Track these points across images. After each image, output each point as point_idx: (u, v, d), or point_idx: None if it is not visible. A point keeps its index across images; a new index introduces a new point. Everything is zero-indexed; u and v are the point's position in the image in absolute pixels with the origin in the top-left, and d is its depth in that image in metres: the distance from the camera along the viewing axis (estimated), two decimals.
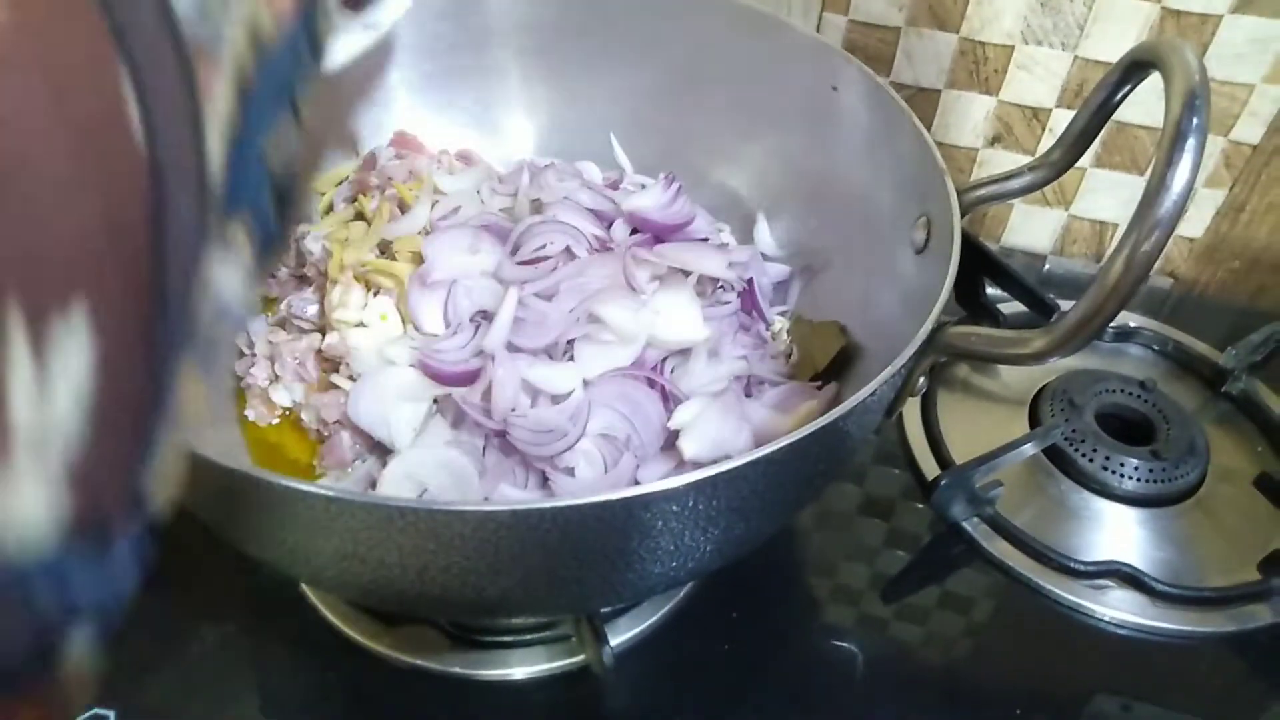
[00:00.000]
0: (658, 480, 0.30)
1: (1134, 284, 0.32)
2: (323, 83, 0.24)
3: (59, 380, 0.15)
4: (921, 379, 0.39)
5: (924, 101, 0.72)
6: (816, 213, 0.56)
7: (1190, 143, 0.31)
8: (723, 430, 0.43)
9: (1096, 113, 0.40)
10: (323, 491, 0.30)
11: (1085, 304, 0.33)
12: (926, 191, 0.45)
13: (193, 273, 0.18)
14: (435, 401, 0.48)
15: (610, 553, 0.33)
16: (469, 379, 0.46)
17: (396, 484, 0.44)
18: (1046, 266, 0.76)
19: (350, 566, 0.34)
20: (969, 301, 0.54)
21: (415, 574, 0.33)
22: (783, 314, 0.55)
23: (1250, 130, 0.67)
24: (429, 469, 0.45)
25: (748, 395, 0.48)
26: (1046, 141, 0.72)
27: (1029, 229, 0.77)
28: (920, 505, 0.55)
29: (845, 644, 0.49)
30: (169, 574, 0.49)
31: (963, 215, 0.42)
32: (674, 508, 0.32)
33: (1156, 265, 0.74)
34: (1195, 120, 0.31)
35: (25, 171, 0.14)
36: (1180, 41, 0.34)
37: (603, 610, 0.45)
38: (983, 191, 0.44)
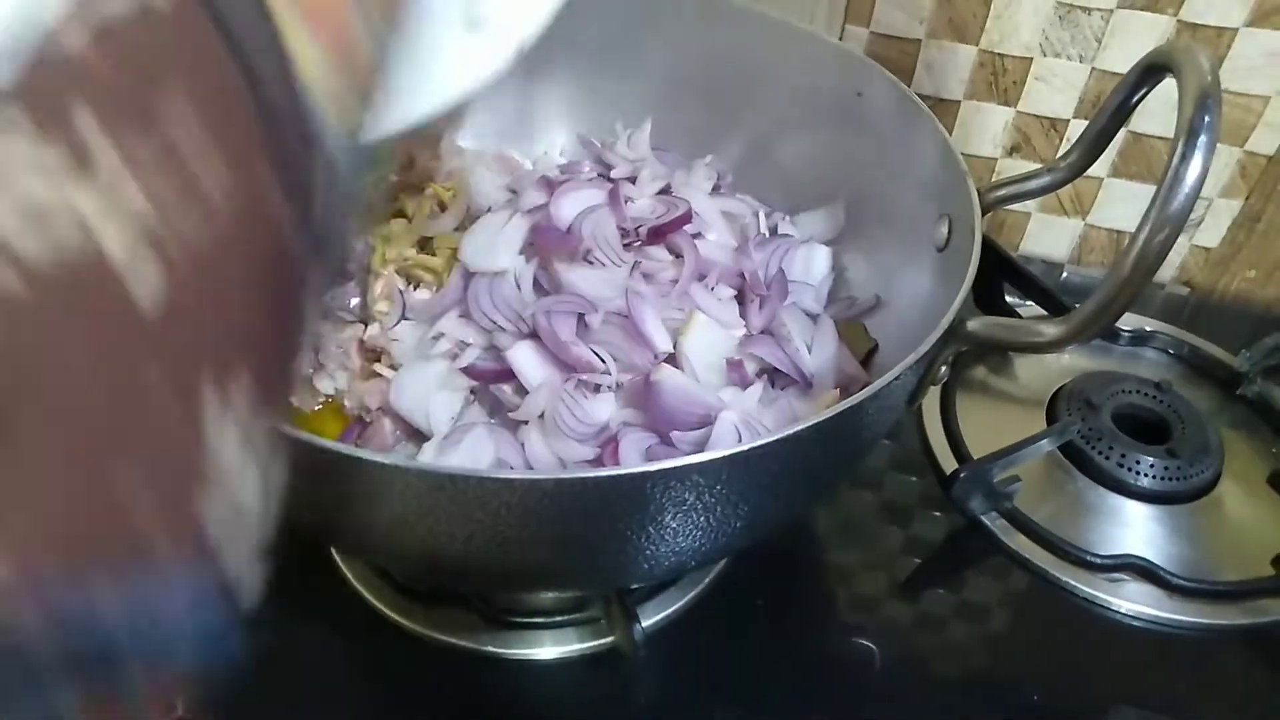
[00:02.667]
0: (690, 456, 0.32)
1: (1147, 274, 0.34)
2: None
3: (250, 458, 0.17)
4: (944, 368, 0.40)
5: (943, 112, 0.74)
6: (839, 213, 0.57)
7: (1202, 139, 0.32)
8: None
9: (1113, 115, 0.42)
10: (380, 459, 0.32)
11: (1101, 294, 0.34)
12: (948, 192, 0.47)
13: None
14: (472, 391, 0.49)
15: (647, 524, 0.35)
16: (504, 376, 0.48)
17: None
18: (1064, 275, 0.77)
19: (399, 534, 0.36)
20: (988, 305, 0.56)
21: (461, 542, 0.35)
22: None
23: (1266, 141, 0.68)
24: (460, 454, 0.47)
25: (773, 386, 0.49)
26: (1057, 157, 0.73)
27: (1046, 238, 0.78)
28: (940, 504, 0.56)
29: (865, 635, 0.50)
30: None
31: (983, 214, 0.44)
32: (708, 481, 0.34)
33: (1173, 274, 0.76)
34: (1207, 118, 0.32)
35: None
36: (1193, 45, 0.36)
37: (631, 592, 0.46)
38: (1002, 192, 0.46)
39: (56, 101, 0.14)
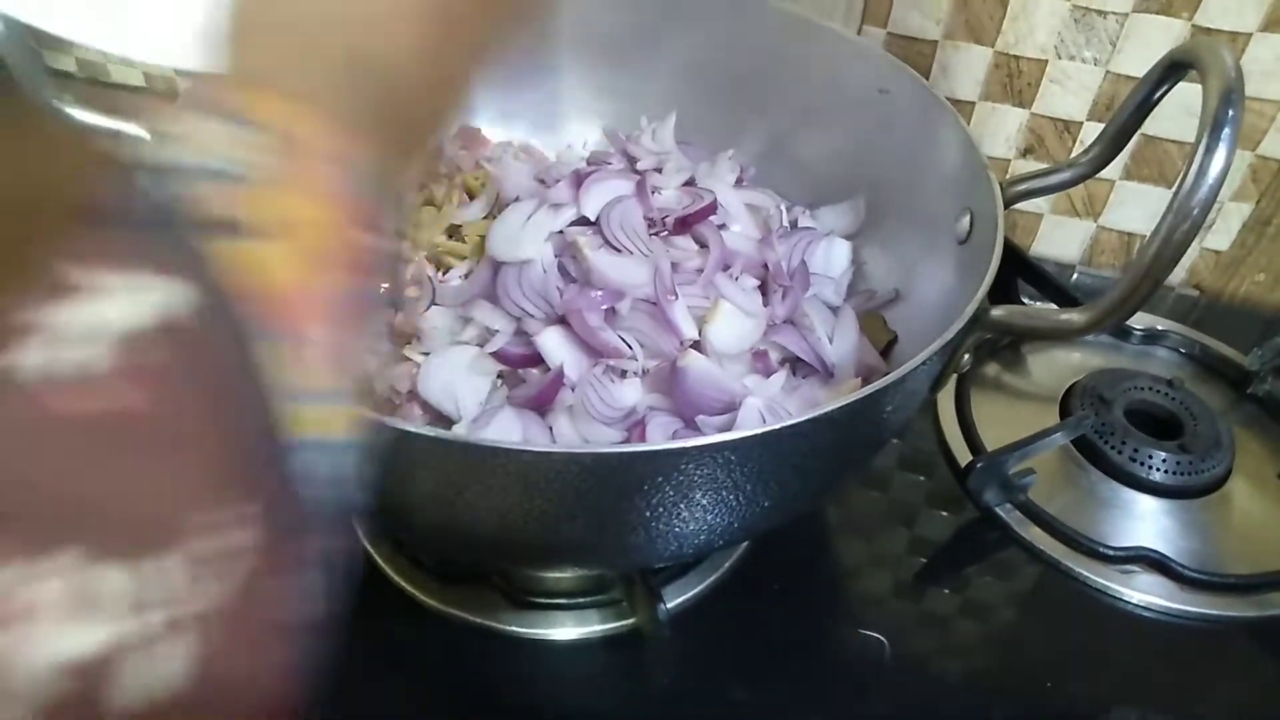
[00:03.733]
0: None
1: (1170, 262, 0.35)
2: None
3: None
4: (966, 356, 0.41)
5: (958, 113, 0.75)
6: (859, 207, 0.58)
7: (1226, 132, 0.33)
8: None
9: (1135, 112, 0.43)
10: (424, 431, 0.32)
11: (1126, 281, 0.35)
12: (969, 187, 0.48)
13: None
14: (500, 376, 0.50)
15: (679, 501, 0.36)
16: (533, 361, 0.49)
17: None
18: (1075, 276, 0.78)
19: (436, 509, 0.36)
20: (1001, 301, 0.57)
21: (499, 516, 0.36)
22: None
23: (1277, 146, 0.69)
24: (489, 436, 0.47)
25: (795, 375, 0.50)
26: (1077, 153, 0.74)
27: (1058, 239, 0.79)
28: (955, 498, 0.57)
29: (879, 623, 0.51)
30: None
31: (1006, 208, 0.45)
32: (740, 459, 0.35)
33: (1182, 277, 0.77)
34: (1231, 111, 0.33)
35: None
36: (1216, 42, 0.37)
37: (655, 573, 0.47)
38: (1024, 186, 0.47)
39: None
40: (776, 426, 0.34)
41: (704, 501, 0.36)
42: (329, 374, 0.19)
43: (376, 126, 0.22)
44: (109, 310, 0.15)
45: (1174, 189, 0.34)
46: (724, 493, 0.36)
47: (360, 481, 0.21)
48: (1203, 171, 0.34)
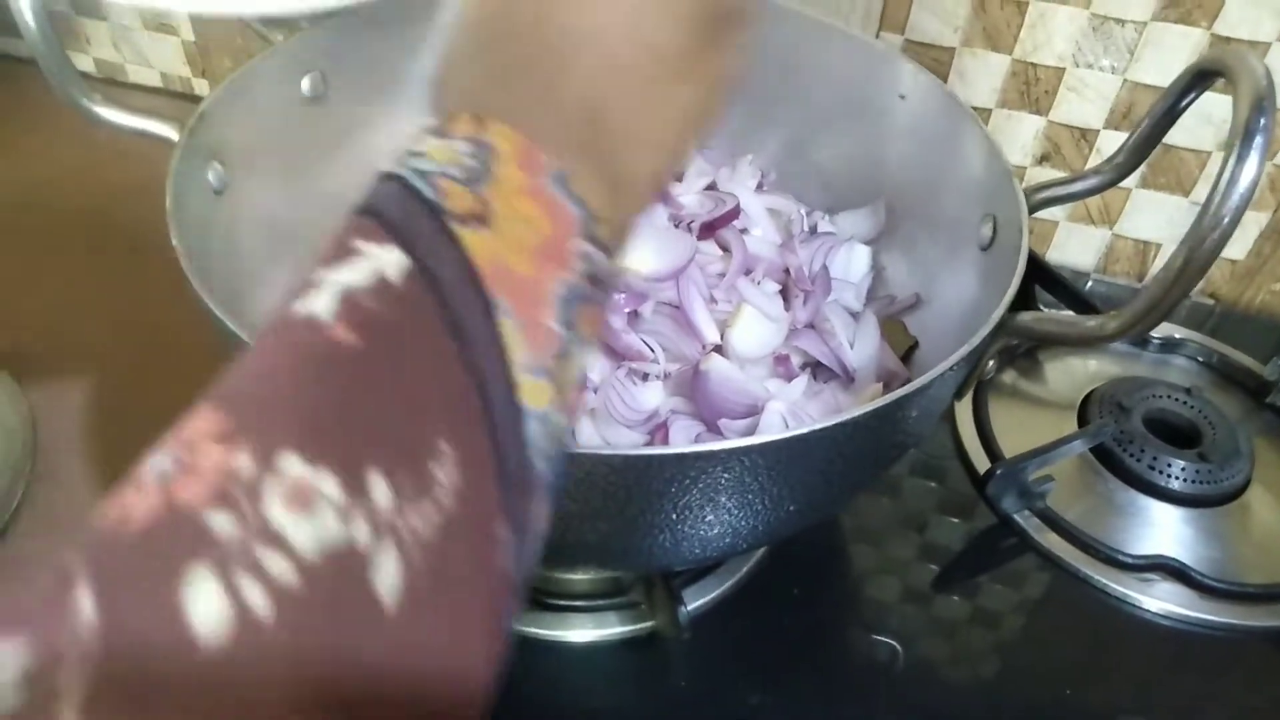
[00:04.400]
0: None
1: (1200, 270, 0.35)
2: None
3: None
4: (990, 362, 0.41)
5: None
6: (879, 212, 0.58)
7: (1258, 141, 0.33)
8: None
9: (1161, 119, 0.43)
10: None
11: (1155, 287, 0.35)
12: (991, 193, 0.48)
13: None
14: None
15: (705, 504, 0.36)
16: None
17: None
18: (1089, 285, 0.78)
19: None
20: (1019, 308, 0.57)
21: None
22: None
23: None
24: None
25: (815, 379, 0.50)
26: (1094, 161, 0.74)
27: (1073, 247, 0.79)
28: (972, 504, 0.57)
29: (896, 629, 0.51)
30: None
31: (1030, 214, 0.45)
32: (766, 463, 0.35)
33: (1198, 286, 0.77)
34: (1263, 120, 0.33)
35: None
36: (1245, 50, 0.37)
37: (676, 575, 0.47)
38: (1048, 193, 0.47)
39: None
40: (804, 431, 0.34)
41: (729, 505, 0.36)
42: (551, 356, 0.22)
43: (600, 173, 0.24)
44: (352, 273, 0.20)
45: (1205, 197, 0.34)
46: (749, 496, 0.36)
47: (562, 461, 0.23)
48: (1234, 181, 0.33)
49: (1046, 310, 0.53)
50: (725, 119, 0.62)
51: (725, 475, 0.34)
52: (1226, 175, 0.34)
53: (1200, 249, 0.35)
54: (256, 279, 0.48)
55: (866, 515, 0.56)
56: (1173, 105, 0.42)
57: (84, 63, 0.97)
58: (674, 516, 0.36)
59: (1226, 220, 0.34)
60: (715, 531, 0.38)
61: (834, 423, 0.34)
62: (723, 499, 0.36)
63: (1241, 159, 0.33)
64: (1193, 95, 0.41)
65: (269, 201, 0.51)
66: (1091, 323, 0.37)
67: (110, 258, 0.70)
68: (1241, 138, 0.33)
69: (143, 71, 0.96)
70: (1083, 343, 0.37)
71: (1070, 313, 0.39)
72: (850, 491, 0.44)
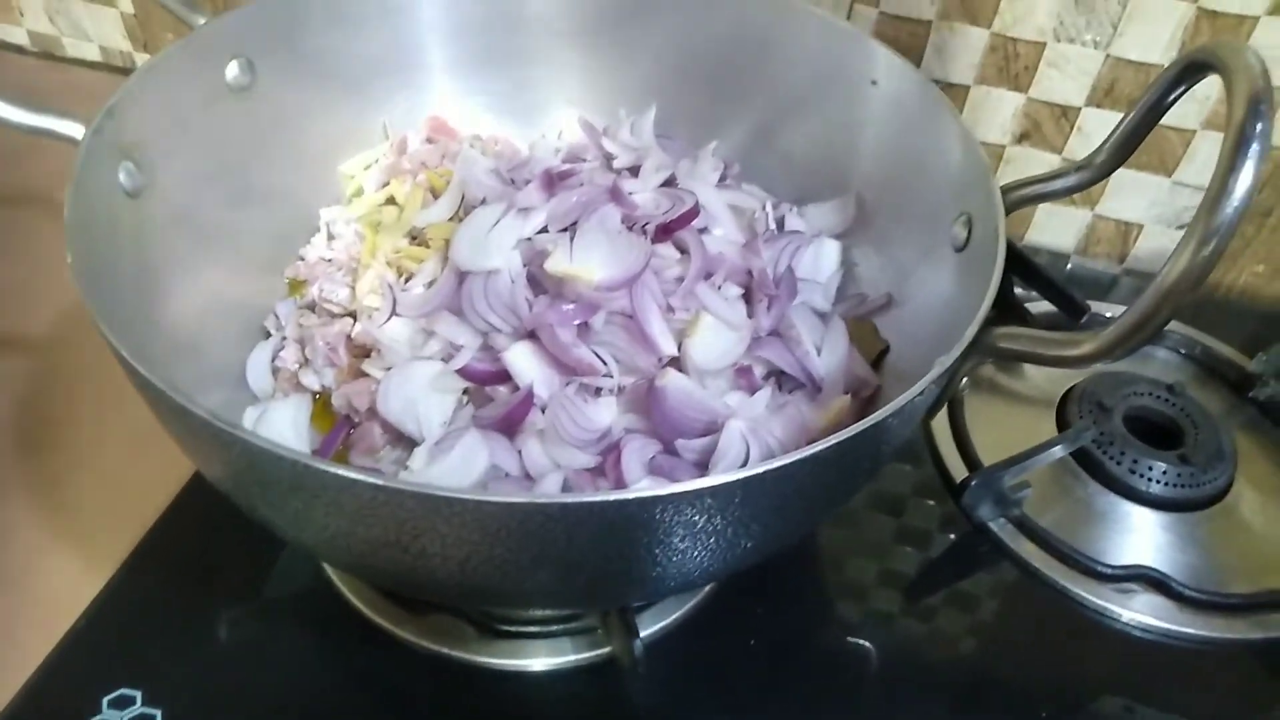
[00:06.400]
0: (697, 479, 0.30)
1: (1191, 290, 0.32)
2: None
3: None
4: (963, 380, 0.38)
5: (952, 97, 0.71)
6: (850, 205, 0.55)
7: (1254, 148, 0.30)
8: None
9: (1147, 114, 0.40)
10: (371, 480, 0.29)
11: (1139, 308, 0.32)
12: (967, 189, 0.45)
13: None
14: (465, 393, 0.47)
15: (654, 547, 0.33)
16: (501, 378, 0.46)
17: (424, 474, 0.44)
18: (1069, 266, 0.76)
19: (391, 555, 0.33)
20: (997, 300, 0.54)
21: (457, 564, 0.33)
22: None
23: (1278, 135, 0.66)
24: (452, 461, 0.44)
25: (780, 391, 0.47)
26: (1075, 140, 0.71)
27: (1053, 228, 0.76)
28: (947, 506, 0.55)
29: (868, 642, 0.49)
30: (196, 560, 0.49)
31: (1005, 214, 0.42)
32: (719, 504, 0.32)
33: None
34: (1260, 125, 0.30)
35: None
36: (1241, 44, 0.33)
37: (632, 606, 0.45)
38: (1025, 191, 0.44)
39: None
40: (759, 471, 0.31)
41: (680, 547, 0.33)
42: None
43: None
44: None
45: (1188, 180, 0.31)
46: (704, 537, 0.33)
47: None
48: (1227, 191, 0.30)
49: (1020, 307, 0.51)
50: (688, 104, 0.59)
51: (675, 519, 0.32)
52: (1219, 185, 0.30)
53: (1192, 266, 0.31)
54: (173, 286, 0.45)
55: (835, 524, 0.54)
56: (1160, 99, 0.39)
57: (17, 35, 0.91)
58: (619, 562, 0.33)
59: (1220, 234, 0.31)
60: (666, 573, 0.35)
61: (791, 460, 0.31)
62: (673, 541, 0.33)
63: (1235, 168, 0.30)
64: (1181, 90, 0.38)
65: (190, 202, 0.47)
66: (1069, 348, 0.34)
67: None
68: (1236, 143, 0.30)
69: (81, 45, 0.90)
70: (1057, 365, 0.34)
71: (1046, 332, 0.36)
72: (812, 523, 0.41)
